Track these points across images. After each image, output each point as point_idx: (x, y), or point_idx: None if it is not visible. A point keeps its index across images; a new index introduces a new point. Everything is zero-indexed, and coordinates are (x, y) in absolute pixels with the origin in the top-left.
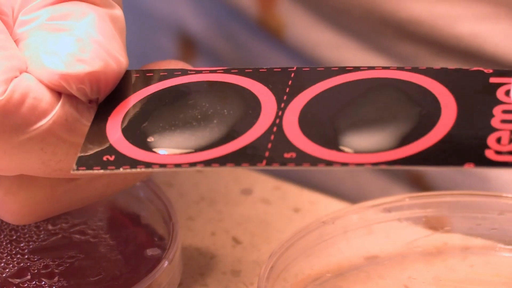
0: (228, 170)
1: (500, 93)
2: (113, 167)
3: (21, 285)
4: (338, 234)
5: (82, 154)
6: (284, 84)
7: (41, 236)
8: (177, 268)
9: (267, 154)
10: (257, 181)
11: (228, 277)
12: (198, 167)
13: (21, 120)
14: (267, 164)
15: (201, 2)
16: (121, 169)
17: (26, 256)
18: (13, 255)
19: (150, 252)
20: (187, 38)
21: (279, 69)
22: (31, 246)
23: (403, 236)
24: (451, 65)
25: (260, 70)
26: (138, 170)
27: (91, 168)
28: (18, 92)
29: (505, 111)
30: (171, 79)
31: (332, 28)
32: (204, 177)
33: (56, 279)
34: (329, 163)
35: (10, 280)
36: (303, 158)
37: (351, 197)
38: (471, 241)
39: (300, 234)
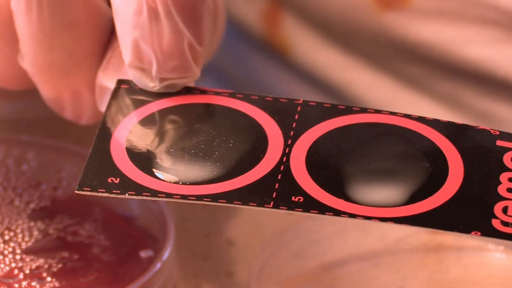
0: None
1: (507, 159)
2: (118, 191)
3: (13, 285)
4: (331, 234)
5: (86, 173)
6: (291, 119)
7: (34, 236)
8: (171, 269)
9: (274, 194)
10: None
11: (222, 279)
12: (205, 201)
13: None
14: (274, 206)
15: None
16: (126, 195)
17: (19, 257)
18: (5, 255)
19: (143, 253)
20: None
21: (285, 100)
22: (24, 247)
23: (397, 237)
24: (461, 87)
25: (266, 98)
26: (144, 197)
27: (95, 190)
28: None
29: (511, 179)
30: (176, 97)
31: (339, 50)
32: None
33: (49, 279)
34: (337, 212)
35: (2, 280)
36: (311, 203)
37: None
38: (466, 242)
39: (292, 233)
